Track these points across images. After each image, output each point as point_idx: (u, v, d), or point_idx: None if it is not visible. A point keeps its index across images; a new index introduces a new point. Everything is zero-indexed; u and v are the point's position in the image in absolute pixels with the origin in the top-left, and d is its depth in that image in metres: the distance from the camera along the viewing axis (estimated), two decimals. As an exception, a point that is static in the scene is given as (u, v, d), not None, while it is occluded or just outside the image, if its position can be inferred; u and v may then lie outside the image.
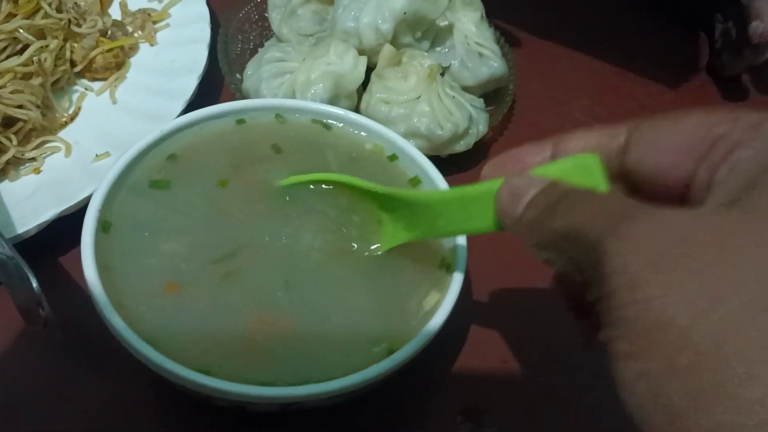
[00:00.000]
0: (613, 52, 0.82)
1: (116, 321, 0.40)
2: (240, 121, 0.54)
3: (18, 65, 0.61)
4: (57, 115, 0.63)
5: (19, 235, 0.52)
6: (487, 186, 0.36)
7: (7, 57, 0.62)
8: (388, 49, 0.63)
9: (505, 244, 0.61)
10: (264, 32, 0.75)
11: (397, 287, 0.46)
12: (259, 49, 0.72)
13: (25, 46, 0.63)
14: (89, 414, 0.49)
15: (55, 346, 0.51)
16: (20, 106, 0.59)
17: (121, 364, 0.51)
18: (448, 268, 0.47)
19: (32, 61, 0.62)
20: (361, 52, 0.63)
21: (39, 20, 0.64)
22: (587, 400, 0.53)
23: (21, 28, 0.62)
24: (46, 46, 0.63)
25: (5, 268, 0.46)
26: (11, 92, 0.59)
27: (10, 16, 0.63)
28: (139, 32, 0.71)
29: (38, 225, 0.53)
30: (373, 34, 0.63)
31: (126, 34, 0.71)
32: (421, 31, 0.66)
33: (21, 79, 0.61)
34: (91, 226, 0.45)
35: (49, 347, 0.51)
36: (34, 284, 0.44)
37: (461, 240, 0.48)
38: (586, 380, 0.54)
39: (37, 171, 0.59)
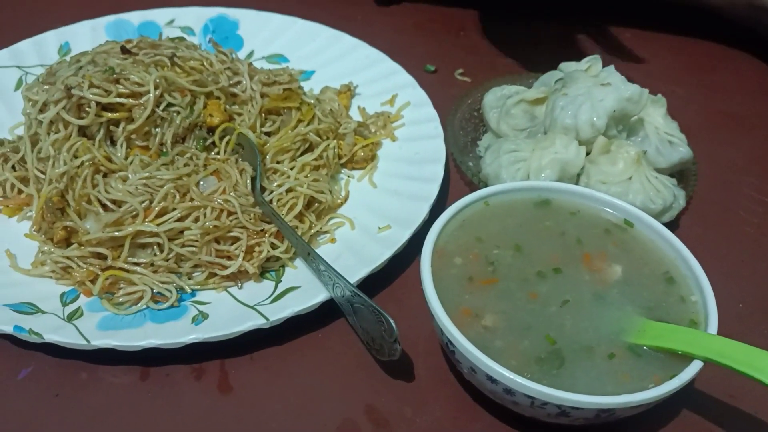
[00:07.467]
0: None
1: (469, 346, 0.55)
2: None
3: (312, 160, 0.79)
4: (334, 196, 0.80)
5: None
6: None
7: (302, 154, 0.80)
8: (601, 140, 0.77)
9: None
10: (476, 127, 0.91)
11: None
12: (478, 142, 0.89)
13: (309, 145, 0.81)
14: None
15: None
16: (320, 191, 0.76)
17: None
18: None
19: (321, 156, 0.80)
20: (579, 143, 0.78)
21: (317, 124, 0.82)
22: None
23: (311, 132, 0.80)
24: (328, 146, 0.81)
25: (361, 314, 0.61)
26: (312, 181, 0.77)
27: (299, 121, 0.82)
28: (381, 131, 0.89)
29: (359, 279, 0.68)
30: (589, 128, 0.78)
31: (370, 132, 0.88)
32: (622, 124, 0.81)
33: (313, 170, 0.79)
34: (427, 275, 0.60)
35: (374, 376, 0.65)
36: (395, 328, 0.58)
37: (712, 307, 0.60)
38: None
39: (333, 241, 0.75)
